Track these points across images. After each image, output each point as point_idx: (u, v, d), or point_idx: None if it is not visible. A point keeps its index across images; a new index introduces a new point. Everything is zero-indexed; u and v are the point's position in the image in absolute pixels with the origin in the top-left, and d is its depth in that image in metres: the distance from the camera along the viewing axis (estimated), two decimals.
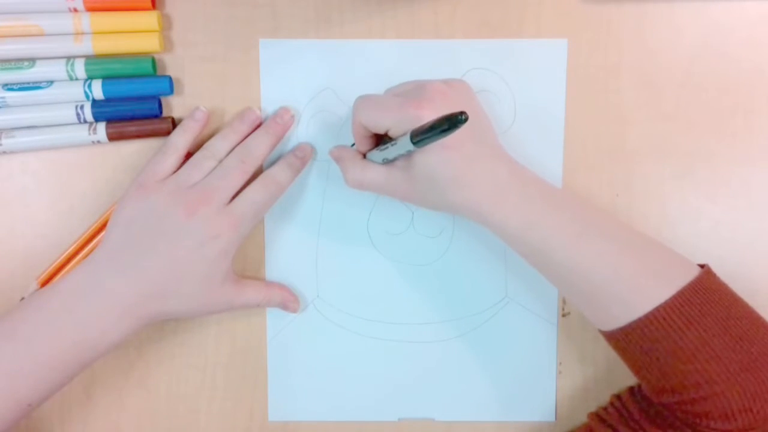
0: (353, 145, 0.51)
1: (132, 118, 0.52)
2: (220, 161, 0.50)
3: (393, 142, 0.45)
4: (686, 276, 0.44)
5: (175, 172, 0.49)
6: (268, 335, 0.54)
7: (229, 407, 0.55)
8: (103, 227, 0.51)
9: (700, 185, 0.53)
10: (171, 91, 0.52)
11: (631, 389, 0.51)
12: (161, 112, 0.52)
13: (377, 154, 0.47)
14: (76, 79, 0.51)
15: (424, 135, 0.41)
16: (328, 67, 0.53)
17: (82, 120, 0.51)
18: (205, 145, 0.50)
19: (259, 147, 0.50)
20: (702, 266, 0.46)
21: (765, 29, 0.52)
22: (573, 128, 0.53)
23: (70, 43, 0.51)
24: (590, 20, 0.52)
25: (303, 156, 0.52)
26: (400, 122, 0.44)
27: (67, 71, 0.50)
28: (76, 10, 0.51)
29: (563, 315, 0.54)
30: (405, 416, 0.55)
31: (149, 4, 0.51)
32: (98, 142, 0.52)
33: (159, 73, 0.52)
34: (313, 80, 0.53)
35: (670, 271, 0.45)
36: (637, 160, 0.53)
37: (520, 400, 0.55)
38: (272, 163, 0.52)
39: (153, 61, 0.52)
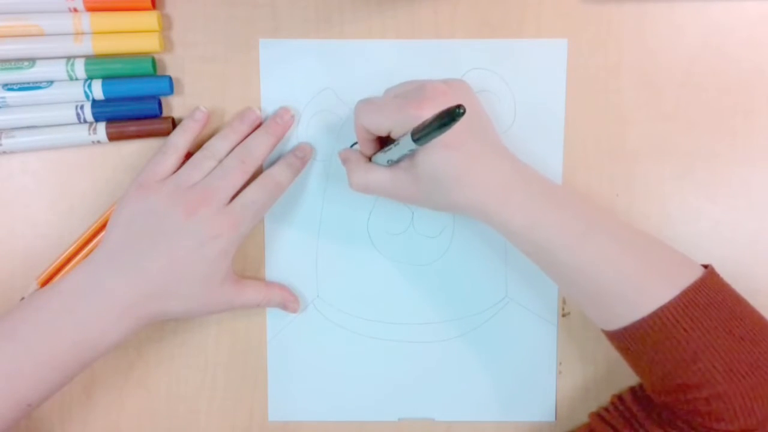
0: (353, 144, 0.51)
1: (132, 118, 0.52)
2: (220, 161, 0.50)
3: (396, 143, 0.45)
4: (690, 276, 0.44)
5: (175, 172, 0.49)
6: (268, 335, 0.54)
7: (229, 407, 0.55)
8: (103, 227, 0.51)
9: (700, 185, 0.53)
10: (171, 91, 0.52)
11: (632, 389, 0.51)
12: (161, 112, 0.52)
13: (382, 156, 0.48)
14: (76, 79, 0.51)
15: (424, 132, 0.41)
16: (328, 67, 0.53)
17: (82, 120, 0.51)
18: (205, 145, 0.50)
19: (259, 147, 0.50)
20: (705, 266, 0.46)
21: (765, 29, 0.52)
22: (573, 128, 0.53)
23: (70, 43, 0.51)
24: (590, 20, 0.52)
25: (303, 156, 0.52)
26: (401, 123, 0.44)
27: (67, 71, 0.50)
28: (76, 10, 0.51)
29: (563, 315, 0.54)
30: (405, 416, 0.55)
31: (149, 4, 0.51)
32: (98, 142, 0.52)
33: (159, 73, 0.52)
34: (313, 80, 0.53)
35: (674, 271, 0.45)
36: (637, 160, 0.53)
37: (520, 400, 0.55)
38: (272, 163, 0.52)
39: (153, 61, 0.52)
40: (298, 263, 0.54)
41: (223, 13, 0.52)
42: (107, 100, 0.51)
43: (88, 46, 0.51)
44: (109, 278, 0.47)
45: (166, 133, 0.51)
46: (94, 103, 0.51)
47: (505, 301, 0.54)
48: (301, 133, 0.53)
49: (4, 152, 0.52)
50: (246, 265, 0.54)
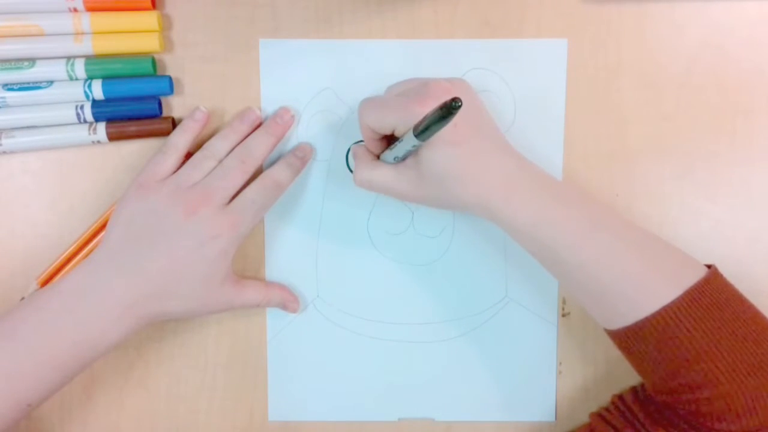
0: (356, 142, 0.51)
1: (132, 118, 0.52)
2: (220, 161, 0.50)
3: (400, 140, 0.45)
4: (693, 276, 0.44)
5: (175, 172, 0.49)
6: (268, 335, 0.54)
7: (229, 407, 0.55)
8: (103, 227, 0.51)
9: (700, 185, 0.53)
10: (171, 91, 0.52)
11: (633, 389, 0.51)
12: (161, 112, 0.52)
13: (388, 154, 0.48)
14: (76, 79, 0.51)
15: (424, 126, 0.41)
16: (328, 67, 0.53)
17: (82, 120, 0.51)
18: (205, 145, 0.50)
19: (259, 147, 0.50)
20: (709, 266, 0.46)
21: (765, 29, 0.52)
22: (573, 128, 0.53)
23: (70, 43, 0.51)
24: (590, 20, 0.52)
25: (303, 156, 0.52)
26: (404, 120, 0.44)
27: (67, 71, 0.50)
28: (76, 10, 0.51)
29: (563, 315, 0.54)
30: (405, 416, 0.55)
31: (149, 4, 0.51)
32: (98, 142, 0.52)
33: (159, 73, 0.52)
34: (313, 80, 0.53)
35: (678, 271, 0.45)
36: (637, 160, 0.53)
37: (520, 400, 0.55)
38: (272, 163, 0.52)
39: (153, 61, 0.52)
40: (298, 263, 0.54)
41: (223, 13, 0.52)
42: (107, 100, 0.51)
43: (88, 46, 0.51)
44: (109, 278, 0.46)
45: (166, 133, 0.51)
46: (94, 103, 0.51)
47: (505, 301, 0.54)
48: (301, 133, 0.53)
49: (4, 152, 0.52)
50: (246, 265, 0.54)
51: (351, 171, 0.53)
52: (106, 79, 0.51)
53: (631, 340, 0.45)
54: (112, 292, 0.46)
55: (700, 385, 0.43)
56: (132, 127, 0.52)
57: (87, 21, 0.50)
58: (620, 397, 0.51)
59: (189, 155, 0.51)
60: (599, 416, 0.51)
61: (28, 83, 0.51)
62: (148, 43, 0.51)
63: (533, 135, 0.53)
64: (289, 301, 0.53)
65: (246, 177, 0.49)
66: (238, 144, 0.51)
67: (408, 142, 0.44)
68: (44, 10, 0.51)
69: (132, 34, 0.51)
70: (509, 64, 0.52)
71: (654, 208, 0.53)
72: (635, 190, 0.53)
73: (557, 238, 0.45)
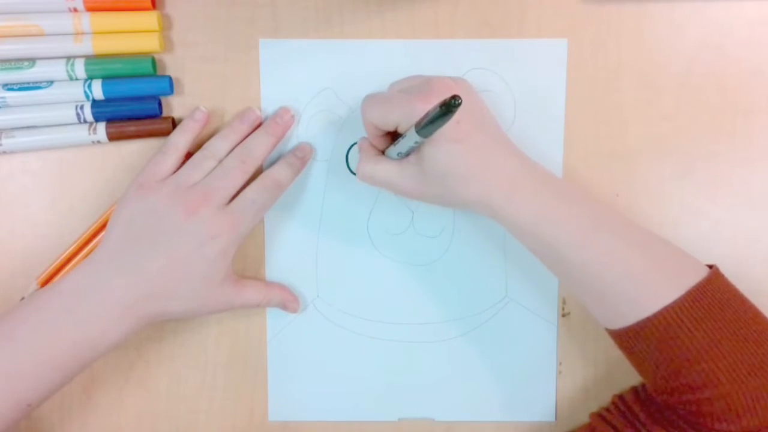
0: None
1: (132, 118, 0.52)
2: (220, 161, 0.50)
3: (403, 136, 0.45)
4: (695, 276, 0.44)
5: (175, 172, 0.49)
6: (268, 335, 0.54)
7: (229, 407, 0.55)
8: (103, 227, 0.51)
9: (700, 185, 0.53)
10: (171, 91, 0.52)
11: (634, 389, 0.51)
12: (161, 112, 0.52)
13: (392, 150, 0.48)
14: (76, 79, 0.51)
15: (426, 123, 0.41)
16: (328, 67, 0.53)
17: (82, 120, 0.51)
18: (205, 145, 0.50)
19: (259, 147, 0.50)
20: (710, 266, 0.46)
21: (765, 29, 0.52)
22: (573, 128, 0.53)
23: (70, 43, 0.51)
24: (590, 20, 0.52)
25: (303, 156, 0.52)
26: (407, 117, 0.44)
27: (67, 71, 0.50)
28: (76, 10, 0.51)
29: (563, 315, 0.54)
30: (405, 416, 0.55)
31: (149, 4, 0.51)
32: (98, 142, 0.52)
33: (159, 73, 0.52)
34: (313, 80, 0.53)
35: (679, 271, 0.45)
36: (637, 160, 0.53)
37: (520, 400, 0.55)
38: (272, 163, 0.52)
39: (153, 61, 0.52)
40: (298, 263, 0.54)
41: (223, 13, 0.52)
42: (107, 100, 0.51)
43: (88, 46, 0.51)
44: (109, 278, 0.46)
45: (166, 133, 0.51)
46: (94, 103, 0.51)
47: (505, 301, 0.54)
48: (301, 133, 0.53)
49: (4, 152, 0.52)
50: (246, 265, 0.54)
51: (351, 171, 0.53)
52: (106, 79, 0.51)
53: (632, 339, 0.45)
54: (112, 292, 0.46)
55: (701, 386, 0.43)
56: (132, 127, 0.52)
57: (87, 21, 0.50)
58: (621, 397, 0.51)
59: (189, 155, 0.51)
60: (599, 416, 0.51)
61: (28, 83, 0.51)
62: (148, 43, 0.51)
63: (533, 135, 0.53)
64: (289, 301, 0.53)
65: (246, 177, 0.49)
66: (238, 144, 0.51)
67: (410, 138, 0.44)
68: (44, 10, 0.51)
69: (132, 34, 0.51)
70: (509, 64, 0.52)
71: (654, 208, 0.53)
72: (635, 190, 0.53)
73: (559, 237, 0.45)
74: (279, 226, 0.54)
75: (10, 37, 0.50)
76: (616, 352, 0.49)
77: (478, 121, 0.46)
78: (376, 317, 0.54)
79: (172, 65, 0.53)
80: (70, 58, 0.51)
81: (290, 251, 0.54)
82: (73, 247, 0.52)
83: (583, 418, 0.53)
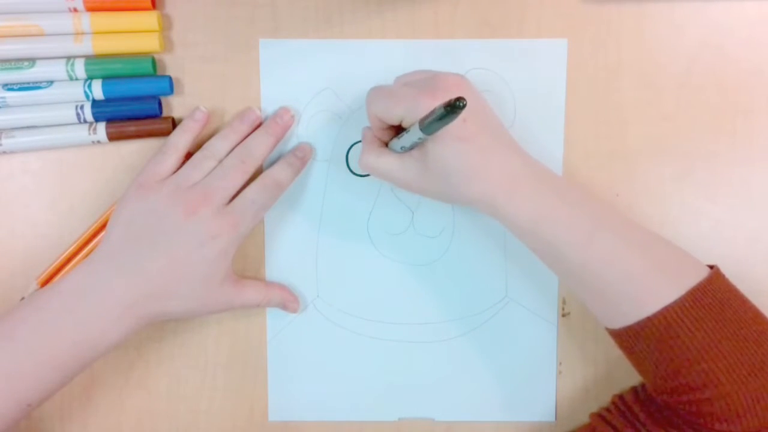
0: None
1: (132, 118, 0.52)
2: (220, 161, 0.50)
3: (407, 130, 0.45)
4: (695, 276, 0.44)
5: (175, 172, 0.49)
6: (268, 335, 0.54)
7: (229, 407, 0.55)
8: (103, 227, 0.51)
9: (700, 185, 0.53)
10: (171, 91, 0.52)
11: (634, 389, 0.51)
12: (161, 112, 0.52)
13: (396, 143, 0.48)
14: (76, 79, 0.51)
15: (429, 121, 0.41)
16: (328, 67, 0.53)
17: (82, 120, 0.51)
18: (205, 145, 0.50)
19: (259, 147, 0.50)
20: (711, 267, 0.46)
21: (765, 29, 0.52)
22: (573, 128, 0.53)
23: (70, 43, 0.51)
24: (590, 20, 0.52)
25: (303, 156, 0.52)
26: (412, 112, 0.44)
27: (67, 71, 0.50)
28: (76, 10, 0.51)
29: (563, 315, 0.54)
30: (405, 416, 0.55)
31: (149, 4, 0.51)
32: (98, 142, 0.52)
33: (159, 73, 0.52)
34: (313, 80, 0.53)
35: (680, 271, 0.45)
36: (637, 160, 0.53)
37: (520, 400, 0.55)
38: (272, 163, 0.52)
39: (153, 61, 0.52)
40: (298, 263, 0.54)
41: (223, 13, 0.52)
42: (107, 100, 0.51)
43: (88, 46, 0.51)
44: (109, 278, 0.46)
45: (166, 133, 0.51)
46: (94, 103, 0.51)
47: (505, 301, 0.54)
48: (301, 133, 0.53)
49: (4, 152, 0.52)
50: (246, 265, 0.54)
51: (351, 171, 0.53)
52: (106, 79, 0.51)
53: (632, 339, 0.45)
54: (112, 292, 0.46)
55: (701, 386, 0.43)
56: (132, 127, 0.52)
57: (87, 21, 0.50)
58: (621, 397, 0.51)
59: (189, 155, 0.51)
60: (599, 416, 0.51)
61: (28, 83, 0.51)
62: (148, 43, 0.51)
63: (533, 135, 0.53)
64: (289, 301, 0.53)
65: (246, 177, 0.49)
66: (238, 144, 0.51)
67: (414, 134, 0.44)
68: (44, 10, 0.51)
69: (132, 34, 0.51)
70: (509, 64, 0.52)
71: (654, 208, 0.53)
72: (635, 190, 0.53)
73: (560, 236, 0.45)
74: (279, 226, 0.54)
75: (10, 37, 0.51)
76: (616, 352, 0.49)
77: (483, 120, 0.46)
78: (376, 317, 0.54)
79: (172, 65, 0.53)
80: (70, 58, 0.51)
81: (290, 251, 0.54)
82: (73, 247, 0.52)
83: (583, 418, 0.53)
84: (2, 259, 0.53)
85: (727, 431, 0.43)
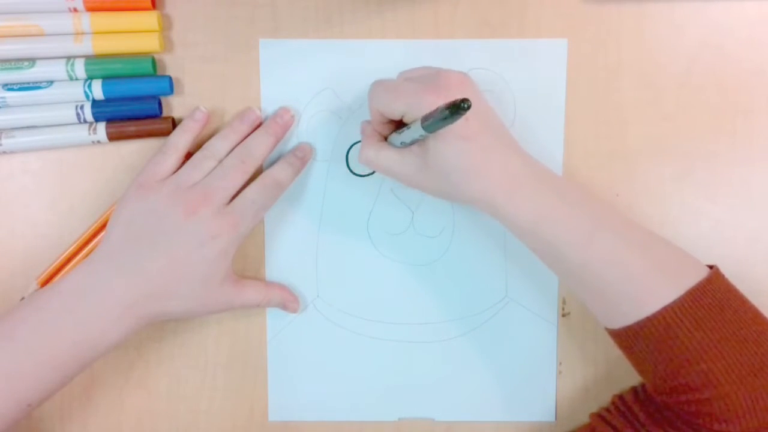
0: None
1: (132, 118, 0.52)
2: (220, 161, 0.50)
3: (408, 126, 0.45)
4: (695, 276, 0.44)
5: (175, 172, 0.49)
6: (268, 335, 0.54)
7: (229, 407, 0.55)
8: (103, 227, 0.51)
9: (700, 185, 0.53)
10: (171, 91, 0.52)
11: (634, 389, 0.51)
12: (161, 112, 0.52)
13: (396, 137, 0.48)
14: (76, 79, 0.51)
15: (432, 120, 0.41)
16: (328, 67, 0.53)
17: (82, 120, 0.51)
18: (205, 145, 0.50)
19: (259, 147, 0.50)
20: (711, 267, 0.46)
21: (765, 29, 0.52)
22: (573, 128, 0.53)
23: (70, 43, 0.51)
24: (590, 20, 0.52)
25: (303, 156, 0.52)
26: (414, 108, 0.44)
27: (67, 71, 0.50)
28: (76, 10, 0.51)
29: (563, 315, 0.54)
30: (405, 416, 0.55)
31: (149, 4, 0.51)
32: (98, 142, 0.52)
33: (159, 73, 0.52)
34: (313, 80, 0.53)
35: (680, 271, 0.45)
36: (637, 160, 0.53)
37: (520, 400, 0.55)
38: (272, 163, 0.52)
39: (153, 61, 0.52)
40: (298, 263, 0.54)
41: (223, 13, 0.52)
42: (107, 100, 0.51)
43: (88, 46, 0.51)
44: (109, 278, 0.46)
45: (166, 133, 0.51)
46: (94, 103, 0.51)
47: (505, 301, 0.54)
48: (301, 133, 0.53)
49: (4, 152, 0.52)
50: (246, 265, 0.54)
51: (351, 171, 0.53)
52: (106, 79, 0.51)
53: (631, 339, 0.45)
54: (112, 292, 0.46)
55: (701, 386, 0.43)
56: (132, 127, 0.52)
57: (87, 21, 0.50)
58: (620, 397, 0.51)
59: (189, 155, 0.51)
60: (599, 416, 0.51)
61: (28, 83, 0.51)
62: (148, 43, 0.51)
63: (533, 135, 0.53)
64: (289, 301, 0.53)
65: (246, 177, 0.49)
66: (238, 144, 0.51)
67: (416, 131, 0.44)
68: (44, 10, 0.51)
69: (132, 34, 0.51)
70: (509, 64, 0.52)
71: (654, 208, 0.53)
72: (635, 190, 0.53)
73: (559, 236, 0.45)
74: (279, 226, 0.54)
75: (10, 37, 0.50)
76: (616, 352, 0.49)
77: (485, 119, 0.46)
78: (376, 317, 0.54)
79: (172, 65, 0.53)
80: (70, 58, 0.51)
81: (290, 251, 0.54)
82: (73, 247, 0.52)
83: (583, 418, 0.53)
84: (2, 259, 0.53)
85: (726, 431, 0.43)
